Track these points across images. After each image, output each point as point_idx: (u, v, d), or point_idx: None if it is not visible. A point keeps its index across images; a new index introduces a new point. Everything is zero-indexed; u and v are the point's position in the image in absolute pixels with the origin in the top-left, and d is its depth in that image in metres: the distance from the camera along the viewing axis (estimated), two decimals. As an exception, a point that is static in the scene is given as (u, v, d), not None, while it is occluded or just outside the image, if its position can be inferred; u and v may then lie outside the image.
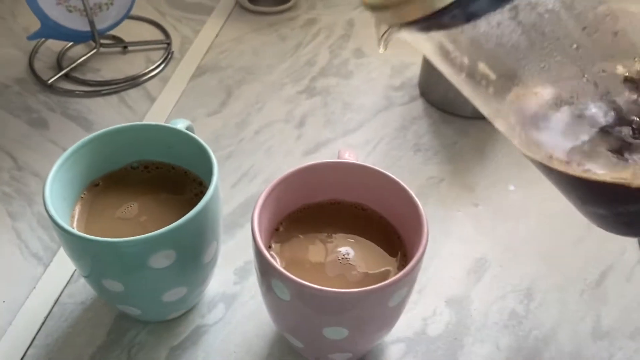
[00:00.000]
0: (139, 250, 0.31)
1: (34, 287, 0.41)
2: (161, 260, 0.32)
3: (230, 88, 0.58)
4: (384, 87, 0.59)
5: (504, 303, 0.41)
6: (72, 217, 0.35)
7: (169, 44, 0.63)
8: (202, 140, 0.36)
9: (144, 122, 0.40)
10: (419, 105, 0.57)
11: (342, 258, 0.34)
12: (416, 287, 0.41)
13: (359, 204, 0.37)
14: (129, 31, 0.64)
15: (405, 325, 0.39)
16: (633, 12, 0.25)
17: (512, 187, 0.49)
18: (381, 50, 0.26)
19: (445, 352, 0.38)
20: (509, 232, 0.46)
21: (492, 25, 0.23)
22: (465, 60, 0.25)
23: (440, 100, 0.56)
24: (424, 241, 0.31)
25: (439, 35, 0.24)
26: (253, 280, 0.42)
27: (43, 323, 0.39)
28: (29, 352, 0.38)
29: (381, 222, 0.36)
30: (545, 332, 0.39)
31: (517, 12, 0.23)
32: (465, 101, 0.55)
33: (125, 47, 0.62)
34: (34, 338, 0.38)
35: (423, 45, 0.25)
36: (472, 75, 0.26)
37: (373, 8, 0.24)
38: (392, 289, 0.29)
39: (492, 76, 0.25)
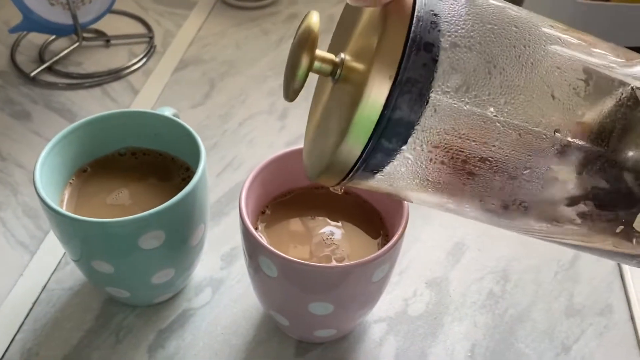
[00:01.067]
0: (129, 230, 0.32)
1: (22, 274, 0.41)
2: (150, 241, 0.32)
3: (213, 81, 0.59)
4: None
5: (482, 284, 0.43)
6: (61, 201, 0.36)
7: (151, 38, 0.63)
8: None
9: (132, 109, 0.41)
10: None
11: (327, 239, 0.35)
12: (397, 269, 0.42)
13: (344, 188, 0.38)
14: (111, 25, 0.64)
15: (387, 305, 0.41)
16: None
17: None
18: (339, 192, 0.29)
19: (425, 330, 0.40)
20: (486, 217, 0.47)
21: (400, 165, 0.24)
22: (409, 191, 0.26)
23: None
24: (404, 220, 0.32)
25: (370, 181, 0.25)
26: (239, 265, 0.43)
27: (31, 309, 0.39)
28: (17, 337, 0.38)
29: (364, 205, 0.37)
30: (521, 311, 0.41)
31: (405, 153, 0.23)
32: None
33: (107, 41, 0.63)
34: (22, 323, 0.39)
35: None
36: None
37: (310, 179, 0.26)
38: (375, 264, 0.30)
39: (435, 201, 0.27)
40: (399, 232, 0.31)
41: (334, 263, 0.33)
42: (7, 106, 0.55)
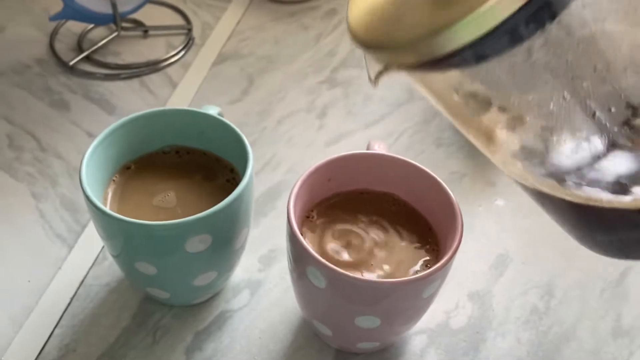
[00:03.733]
0: (177, 234, 0.31)
1: (59, 268, 0.41)
2: (197, 244, 0.32)
3: (252, 76, 0.58)
4: (405, 80, 0.59)
5: (525, 299, 0.41)
6: (105, 199, 0.35)
7: (190, 30, 0.63)
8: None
9: (176, 107, 0.40)
10: (440, 99, 0.57)
11: (374, 246, 0.34)
12: (440, 280, 0.41)
13: (390, 194, 0.37)
14: (150, 15, 0.63)
15: (428, 317, 0.39)
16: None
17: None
18: (375, 86, 0.25)
19: (467, 345, 0.39)
20: (530, 229, 0.46)
21: (502, 64, 0.22)
22: (468, 94, 0.24)
23: (461, 96, 0.56)
24: (459, 233, 0.31)
25: (439, 75, 0.23)
26: (278, 268, 0.42)
27: (69, 304, 0.39)
28: (55, 332, 0.38)
29: (412, 213, 0.36)
30: (566, 329, 0.40)
31: (530, 52, 0.21)
32: (487, 97, 0.55)
33: (146, 32, 0.62)
34: (61, 318, 0.38)
35: (421, 81, 0.24)
36: (475, 109, 0.25)
37: (367, 47, 0.23)
38: (427, 281, 0.29)
39: (496, 108, 0.25)
40: (453, 247, 0.30)
41: (380, 273, 0.33)
42: (46, 95, 0.55)
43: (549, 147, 0.26)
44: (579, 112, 0.24)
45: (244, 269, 0.42)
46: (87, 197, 0.31)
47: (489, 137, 0.27)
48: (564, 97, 0.24)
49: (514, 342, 0.39)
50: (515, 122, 0.25)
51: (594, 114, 0.24)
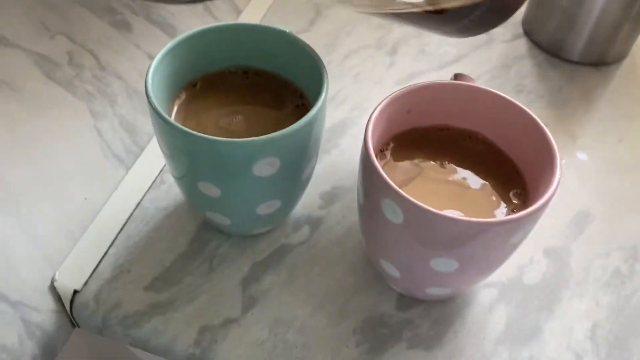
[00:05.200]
0: (246, 153, 0.29)
1: (116, 189, 0.40)
2: (265, 167, 0.30)
3: (319, 7, 0.55)
4: (484, 21, 0.54)
5: (607, 260, 0.38)
6: (169, 114, 0.33)
7: (256, -43, 0.59)
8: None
9: (251, 22, 0.37)
10: (522, 44, 0.52)
11: (455, 187, 0.31)
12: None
13: (474, 132, 0.34)
14: (215, -61, 0.60)
15: (500, 270, 0.37)
16: None
17: (619, 140, 0.45)
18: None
19: (540, 302, 0.36)
20: (615, 186, 0.42)
21: None
22: None
23: (546, 41, 0.51)
24: (555, 178, 0.28)
25: None
26: (339, 206, 0.40)
27: (124, 224, 0.38)
28: (110, 251, 0.37)
29: (498, 154, 0.33)
30: (651, 296, 0.36)
31: None
32: (574, 44, 0.50)
33: (211, -44, 0.59)
34: (115, 238, 0.37)
35: None
36: None
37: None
38: (518, 225, 0.27)
39: None
40: (550, 192, 0.27)
41: (461, 216, 0.30)
42: (107, 14, 0.53)
43: None
44: None
45: (305, 205, 0.39)
46: (154, 109, 0.29)
47: None
48: None
49: (592, 305, 0.36)
50: None
51: None
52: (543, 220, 0.40)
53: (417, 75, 0.49)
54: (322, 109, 0.31)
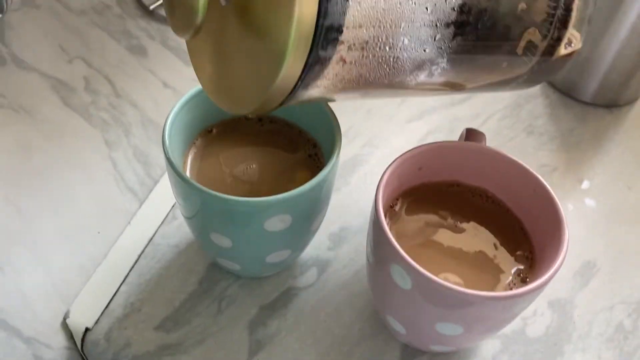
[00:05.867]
0: (258, 211, 0.29)
1: (129, 223, 0.41)
2: (277, 223, 0.30)
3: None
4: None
5: (611, 314, 0.38)
6: (185, 163, 0.34)
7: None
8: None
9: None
10: (535, 82, 0.52)
11: (463, 246, 0.32)
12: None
13: (484, 190, 0.34)
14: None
15: (504, 321, 0.37)
16: None
17: (629, 187, 0.45)
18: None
19: (543, 356, 0.36)
20: (622, 236, 0.42)
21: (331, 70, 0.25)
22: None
23: (560, 81, 0.51)
24: (564, 247, 0.28)
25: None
26: (347, 248, 0.40)
27: (136, 261, 0.39)
28: (121, 289, 0.37)
29: (506, 213, 0.33)
30: (653, 352, 0.37)
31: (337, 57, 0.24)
32: (587, 85, 0.51)
33: (228, -21, 0.60)
34: (127, 275, 0.38)
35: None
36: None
37: (251, 111, 0.26)
38: (524, 298, 0.27)
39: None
40: (556, 264, 0.27)
41: (468, 277, 0.30)
42: (124, 38, 0.53)
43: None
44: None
45: (313, 246, 0.40)
46: (171, 164, 0.30)
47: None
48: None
49: (594, 360, 0.36)
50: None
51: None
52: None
53: (428, 112, 0.49)
54: (333, 168, 0.31)
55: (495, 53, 0.28)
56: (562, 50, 0.30)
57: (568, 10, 0.28)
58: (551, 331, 0.37)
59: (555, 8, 0.28)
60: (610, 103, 0.51)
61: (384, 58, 0.25)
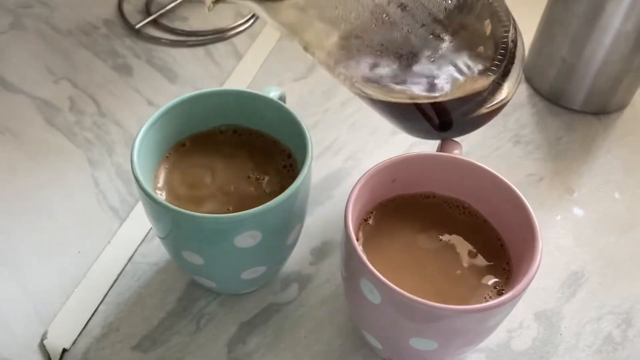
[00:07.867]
0: (226, 228, 0.29)
1: (109, 242, 0.40)
2: (247, 240, 0.30)
3: (319, 51, 0.55)
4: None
5: (599, 325, 0.37)
6: (156, 177, 0.34)
7: (259, -2, 0.60)
8: (293, 110, 0.34)
9: (238, 87, 0.38)
10: (522, 90, 0.52)
11: (438, 259, 0.31)
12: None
13: (460, 201, 0.33)
14: (220, -20, 0.61)
15: (488, 334, 0.37)
16: None
17: (617, 195, 0.44)
18: (210, 11, 0.32)
19: (529, 370, 0.35)
20: (610, 246, 0.41)
21: None
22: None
23: (547, 89, 0.51)
24: (537, 259, 0.27)
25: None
26: (329, 263, 0.40)
27: (115, 280, 0.38)
28: (100, 308, 0.37)
29: (483, 224, 0.33)
30: (643, 364, 0.36)
31: None
32: (575, 93, 0.50)
33: (214, -3, 0.60)
34: (106, 294, 0.38)
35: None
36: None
37: None
38: (496, 311, 0.26)
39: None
40: (530, 274, 0.27)
41: (442, 292, 0.30)
42: (110, 58, 0.54)
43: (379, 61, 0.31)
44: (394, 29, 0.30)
45: (295, 260, 0.40)
46: (137, 182, 0.30)
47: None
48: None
49: (582, 373, 0.35)
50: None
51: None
52: (535, 282, 0.39)
53: (414, 124, 0.49)
54: (304, 182, 0.31)
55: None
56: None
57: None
58: (537, 344, 0.36)
59: None
60: (599, 110, 0.50)
61: None
